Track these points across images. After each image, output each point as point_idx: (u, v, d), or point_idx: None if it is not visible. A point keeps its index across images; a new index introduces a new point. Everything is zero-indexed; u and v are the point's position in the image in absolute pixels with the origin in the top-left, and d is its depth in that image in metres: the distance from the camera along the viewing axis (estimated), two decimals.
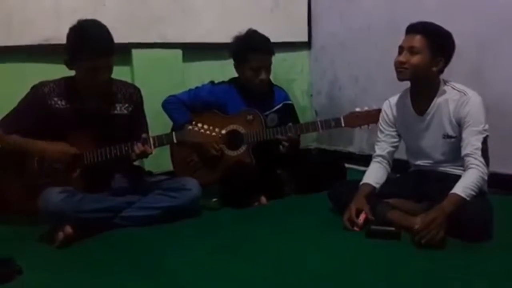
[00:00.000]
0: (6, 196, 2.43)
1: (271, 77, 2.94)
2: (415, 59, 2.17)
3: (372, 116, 2.59)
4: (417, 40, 2.17)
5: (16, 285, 1.84)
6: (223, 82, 2.95)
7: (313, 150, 3.81)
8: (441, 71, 2.24)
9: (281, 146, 2.75)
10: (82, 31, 2.24)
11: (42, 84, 2.35)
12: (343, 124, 2.71)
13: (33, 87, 2.36)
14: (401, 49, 2.21)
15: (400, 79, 2.24)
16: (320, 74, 3.89)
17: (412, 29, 2.20)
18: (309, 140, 3.81)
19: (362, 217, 2.21)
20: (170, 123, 2.86)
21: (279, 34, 3.28)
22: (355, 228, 2.20)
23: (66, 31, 2.31)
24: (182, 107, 2.84)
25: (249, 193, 2.73)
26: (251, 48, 2.77)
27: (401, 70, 2.20)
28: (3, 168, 2.42)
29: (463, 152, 2.16)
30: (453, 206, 2.02)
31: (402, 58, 2.19)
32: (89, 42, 2.20)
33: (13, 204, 2.42)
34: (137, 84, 2.65)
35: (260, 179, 2.77)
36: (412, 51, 2.17)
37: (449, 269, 1.86)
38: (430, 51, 2.16)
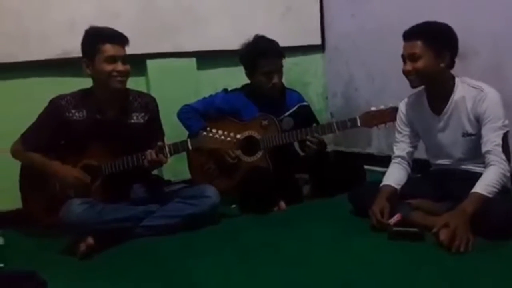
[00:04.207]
0: (30, 210, 2.47)
1: (285, 81, 2.93)
2: (419, 64, 2.15)
3: (388, 115, 2.55)
4: (416, 46, 2.15)
5: None
6: (236, 89, 2.96)
7: (330, 153, 3.79)
8: (451, 65, 2.20)
9: (307, 149, 2.73)
10: (94, 27, 2.34)
11: (59, 97, 2.39)
12: (359, 124, 2.68)
13: (51, 101, 2.40)
14: (403, 57, 2.21)
15: (413, 86, 2.25)
16: (335, 76, 3.87)
17: (408, 35, 2.19)
18: None
19: (396, 218, 2.17)
20: (185, 132, 2.87)
21: (292, 38, 3.28)
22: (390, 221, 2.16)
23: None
24: (196, 115, 2.85)
25: (267, 198, 2.72)
26: (261, 54, 2.77)
27: (411, 78, 2.20)
28: (27, 183, 2.47)
29: (483, 149, 2.12)
30: (475, 205, 1.98)
31: (407, 67, 2.19)
32: (102, 32, 2.31)
33: (36, 218, 2.46)
34: (152, 93, 2.68)
35: (278, 184, 2.76)
36: (413, 57, 2.16)
37: (474, 269, 1.83)
38: (431, 51, 2.14)
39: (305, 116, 2.93)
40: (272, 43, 2.83)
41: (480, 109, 2.15)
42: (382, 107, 2.63)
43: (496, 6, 2.78)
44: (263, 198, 2.70)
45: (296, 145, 2.99)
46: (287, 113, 2.90)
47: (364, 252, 2.06)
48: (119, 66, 2.30)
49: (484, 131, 2.14)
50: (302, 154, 2.99)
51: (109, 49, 2.28)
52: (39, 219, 2.46)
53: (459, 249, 1.92)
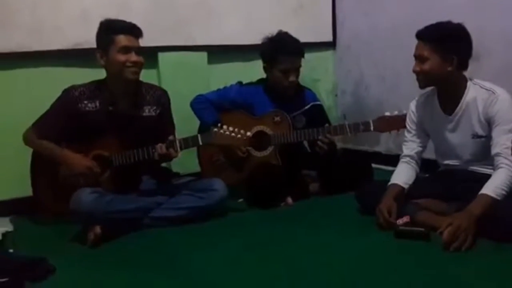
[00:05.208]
0: (39, 198, 2.50)
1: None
2: (426, 66, 2.16)
3: (402, 121, 2.51)
4: (423, 48, 2.16)
5: (48, 284, 1.89)
6: (251, 83, 2.96)
7: (338, 151, 3.78)
8: (461, 68, 2.19)
9: (317, 148, 2.73)
10: (109, 19, 2.37)
11: (72, 88, 2.41)
12: (372, 128, 2.66)
13: (64, 91, 2.42)
14: (414, 57, 2.22)
15: (421, 87, 2.27)
16: (345, 74, 3.87)
17: (418, 36, 2.20)
18: None
19: (404, 220, 2.17)
20: (196, 125, 2.89)
21: (303, 35, 3.26)
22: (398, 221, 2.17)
23: (94, 36, 2.38)
24: (210, 107, 2.86)
25: (275, 193, 2.73)
26: (283, 50, 2.77)
27: (418, 79, 2.22)
28: (38, 171, 2.49)
29: (493, 151, 2.12)
30: (482, 207, 1.99)
31: (415, 67, 2.20)
32: (116, 23, 2.34)
33: (45, 205, 2.49)
34: (163, 86, 2.69)
35: (286, 180, 2.77)
36: (421, 59, 2.17)
37: (480, 271, 1.83)
38: (437, 54, 2.14)
39: (317, 116, 2.93)
40: (294, 41, 2.82)
41: (491, 112, 2.15)
42: (396, 112, 2.60)
43: (508, 5, 2.76)
44: (270, 193, 2.71)
45: (304, 142, 3.00)
46: (300, 111, 2.90)
47: (369, 251, 2.07)
48: (133, 57, 2.32)
49: (494, 134, 2.13)
50: (309, 151, 3.00)
51: (123, 39, 2.30)
52: (48, 207, 2.48)
53: (456, 249, 1.93)
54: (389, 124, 2.62)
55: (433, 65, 2.15)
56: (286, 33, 2.84)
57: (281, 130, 2.80)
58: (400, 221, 2.17)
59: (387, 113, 2.64)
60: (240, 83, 2.96)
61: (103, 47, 2.34)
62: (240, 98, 2.88)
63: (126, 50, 2.31)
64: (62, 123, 2.38)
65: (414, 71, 2.22)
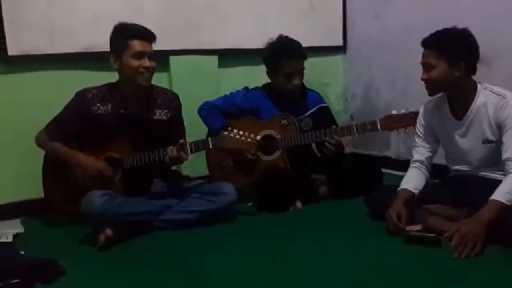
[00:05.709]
0: (51, 199, 2.52)
1: (304, 81, 2.93)
2: (433, 74, 2.16)
3: (409, 119, 2.53)
4: (429, 55, 2.16)
5: (59, 286, 1.90)
6: (257, 88, 2.97)
7: (347, 155, 3.77)
8: (469, 72, 2.18)
9: (325, 149, 2.73)
10: (123, 23, 2.39)
11: (85, 90, 2.43)
12: (379, 127, 2.66)
13: (77, 93, 2.44)
14: (422, 65, 2.21)
15: (430, 94, 2.27)
16: (356, 78, 3.86)
17: (424, 44, 2.20)
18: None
19: (416, 228, 2.16)
20: (206, 128, 2.90)
21: (314, 39, 3.27)
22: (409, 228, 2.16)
23: (106, 39, 2.41)
24: (217, 113, 2.87)
25: (284, 197, 2.73)
26: (284, 55, 2.77)
27: (427, 87, 2.22)
28: (49, 172, 2.52)
29: (504, 156, 2.11)
30: (493, 213, 1.97)
31: (423, 75, 2.20)
32: (131, 28, 2.36)
33: (57, 206, 2.51)
34: (174, 90, 2.71)
35: (295, 184, 2.77)
36: (428, 67, 2.17)
37: (489, 277, 1.82)
38: (444, 61, 2.14)
39: (324, 117, 2.92)
40: (295, 44, 2.82)
41: (501, 116, 2.14)
42: (403, 111, 2.60)
43: None
44: (279, 197, 2.71)
45: (313, 145, 3.00)
46: (306, 114, 2.90)
47: (378, 256, 2.06)
48: (146, 62, 2.34)
49: (505, 138, 2.12)
50: (318, 155, 2.99)
51: (138, 45, 2.32)
52: (59, 208, 2.51)
53: (466, 255, 1.92)
54: (396, 122, 2.61)
55: (440, 72, 2.15)
56: (286, 37, 2.84)
57: (289, 134, 2.80)
58: (411, 228, 2.15)
59: (394, 112, 2.63)
60: (246, 88, 2.97)
61: (117, 51, 2.36)
62: (246, 104, 2.89)
63: (139, 55, 2.33)
64: (75, 126, 2.41)
65: (422, 79, 2.21)
